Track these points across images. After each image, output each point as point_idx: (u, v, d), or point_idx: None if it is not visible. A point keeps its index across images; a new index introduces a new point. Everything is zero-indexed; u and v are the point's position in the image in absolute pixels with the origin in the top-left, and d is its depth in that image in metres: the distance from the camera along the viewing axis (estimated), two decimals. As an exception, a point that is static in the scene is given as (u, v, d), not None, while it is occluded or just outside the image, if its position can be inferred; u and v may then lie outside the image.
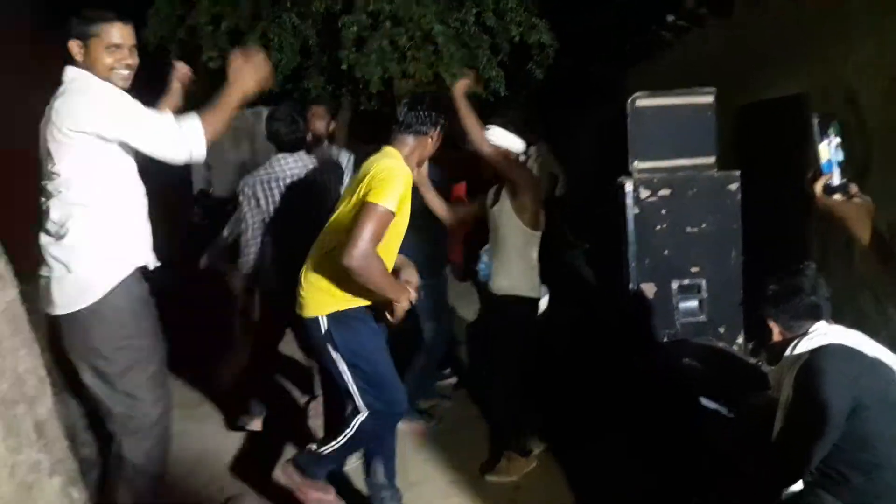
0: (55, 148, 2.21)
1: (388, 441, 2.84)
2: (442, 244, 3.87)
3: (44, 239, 2.29)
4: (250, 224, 3.25)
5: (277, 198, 3.20)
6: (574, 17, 6.98)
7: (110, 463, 2.43)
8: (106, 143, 2.24)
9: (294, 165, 3.23)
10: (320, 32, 6.65)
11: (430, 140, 2.64)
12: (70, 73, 2.31)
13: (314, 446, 2.70)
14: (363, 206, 2.38)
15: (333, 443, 2.63)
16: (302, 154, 3.29)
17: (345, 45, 6.22)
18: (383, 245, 2.46)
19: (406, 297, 2.51)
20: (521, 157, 3.24)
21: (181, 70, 2.75)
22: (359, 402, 2.58)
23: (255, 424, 3.68)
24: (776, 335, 2.25)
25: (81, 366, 2.29)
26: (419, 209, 3.39)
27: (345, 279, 2.45)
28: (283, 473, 2.68)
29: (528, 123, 3.22)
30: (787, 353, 2.21)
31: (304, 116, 3.36)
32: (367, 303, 2.57)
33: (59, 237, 2.25)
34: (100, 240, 2.27)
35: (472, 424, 3.73)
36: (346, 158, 3.95)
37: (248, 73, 2.39)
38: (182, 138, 2.27)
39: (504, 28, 6.55)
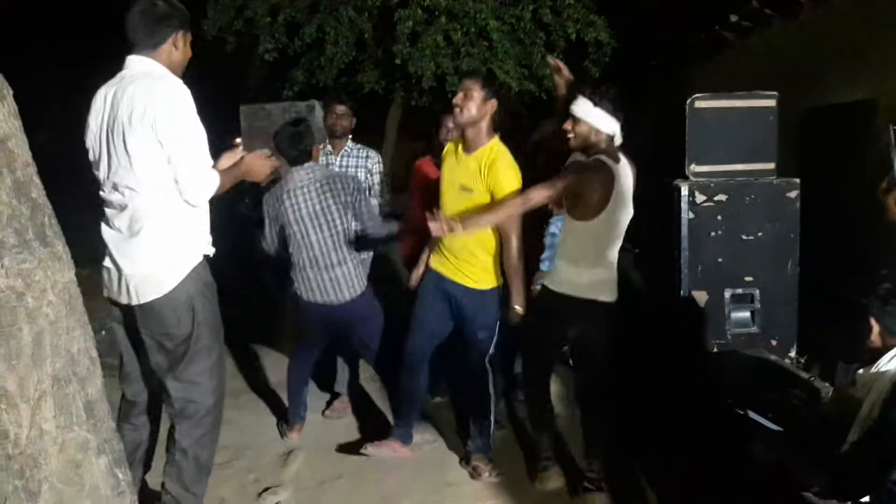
0: (125, 139, 2.21)
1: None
2: None
3: (110, 234, 2.33)
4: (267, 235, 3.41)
5: (288, 210, 3.28)
6: (634, 14, 6.85)
7: (168, 451, 2.48)
8: None
9: (303, 178, 3.28)
10: (376, 27, 6.69)
11: None
12: (147, 64, 2.29)
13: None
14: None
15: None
16: (311, 166, 3.31)
17: (399, 39, 6.25)
18: None
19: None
20: (618, 141, 2.79)
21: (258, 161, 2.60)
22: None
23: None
24: (874, 335, 2.16)
25: (154, 348, 2.37)
26: None
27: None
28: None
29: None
30: (885, 360, 2.11)
31: (307, 131, 3.33)
32: None
33: (131, 234, 2.28)
34: (172, 235, 2.30)
35: (512, 427, 3.69)
36: (356, 152, 3.94)
37: (260, 167, 2.55)
38: (208, 192, 2.34)
39: (561, 25, 6.49)
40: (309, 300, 3.33)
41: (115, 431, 1.91)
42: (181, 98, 2.26)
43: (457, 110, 2.97)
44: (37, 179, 1.78)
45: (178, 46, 2.34)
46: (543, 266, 3.60)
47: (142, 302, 2.31)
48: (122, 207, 2.28)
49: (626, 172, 2.79)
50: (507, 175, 2.91)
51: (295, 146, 3.26)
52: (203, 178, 2.31)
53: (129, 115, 2.19)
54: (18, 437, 1.63)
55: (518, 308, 2.99)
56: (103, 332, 4.20)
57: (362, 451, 3.26)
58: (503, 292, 3.08)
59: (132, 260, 2.29)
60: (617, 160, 2.76)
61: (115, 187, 2.28)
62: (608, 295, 2.85)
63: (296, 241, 3.30)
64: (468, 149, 3.00)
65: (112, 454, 1.86)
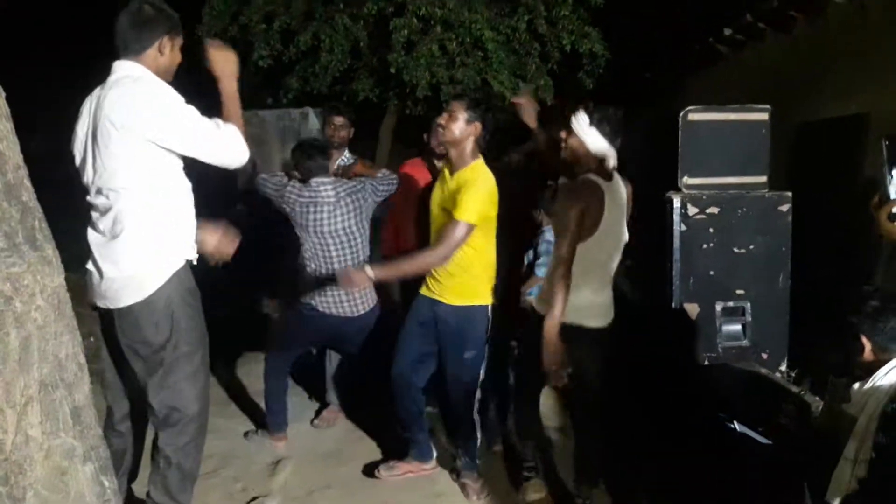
0: (107, 143, 2.19)
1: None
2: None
3: (94, 237, 2.31)
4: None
5: (310, 221, 3.33)
6: (629, 26, 6.89)
7: (152, 458, 2.45)
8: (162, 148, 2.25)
9: (329, 193, 3.33)
10: (371, 35, 6.69)
11: None
12: (128, 68, 2.27)
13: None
14: None
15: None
16: (333, 181, 3.39)
17: (394, 48, 6.25)
18: None
19: None
20: (611, 164, 2.77)
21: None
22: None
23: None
24: (867, 353, 2.15)
25: (131, 355, 2.33)
26: None
27: None
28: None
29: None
30: (881, 374, 2.10)
31: (325, 147, 3.47)
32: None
33: (112, 237, 2.26)
34: (154, 238, 2.27)
35: (502, 440, 3.67)
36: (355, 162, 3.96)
37: (230, 59, 2.45)
38: (235, 144, 2.30)
39: (555, 36, 6.50)
40: (324, 312, 3.36)
41: (101, 438, 1.89)
42: (162, 94, 2.24)
43: (440, 130, 2.98)
44: (28, 182, 1.77)
45: (163, 52, 2.31)
46: (539, 272, 3.61)
47: (121, 306, 2.27)
48: (106, 210, 2.26)
49: (618, 191, 2.76)
50: (472, 199, 2.82)
51: (314, 159, 3.33)
52: (218, 140, 2.28)
53: (111, 119, 2.17)
54: (3, 443, 1.61)
55: (369, 271, 2.85)
56: (91, 339, 4.18)
57: (376, 473, 3.23)
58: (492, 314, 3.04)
59: (113, 263, 2.26)
60: (608, 178, 2.73)
61: (99, 191, 2.26)
62: (599, 320, 2.80)
63: (313, 252, 3.36)
64: (452, 170, 2.99)
65: (98, 461, 1.84)
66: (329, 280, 3.30)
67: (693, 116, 3.69)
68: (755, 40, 5.73)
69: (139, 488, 2.66)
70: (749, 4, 5.47)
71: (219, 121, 2.32)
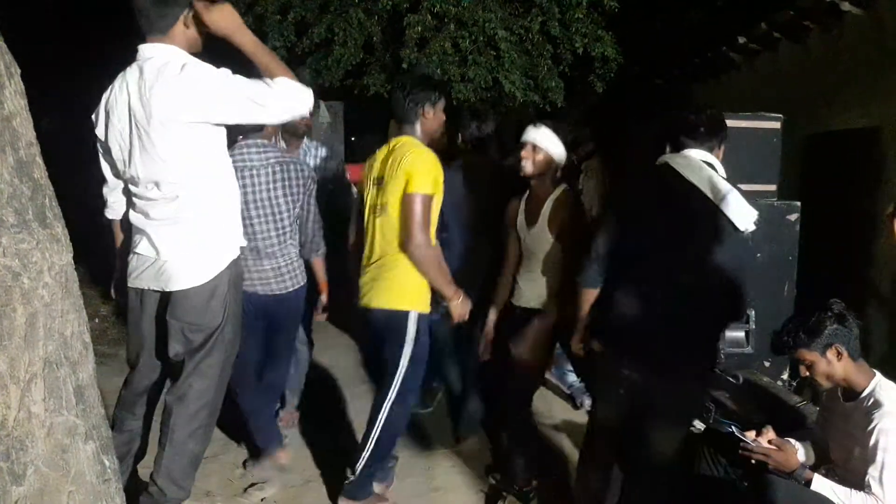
0: (166, 137, 2.17)
1: None
2: (471, 261, 3.37)
3: (148, 223, 2.30)
4: None
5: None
6: (643, 31, 6.87)
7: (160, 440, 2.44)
8: (209, 128, 2.23)
9: (254, 158, 2.93)
10: (385, 30, 6.70)
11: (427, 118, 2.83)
12: (163, 53, 2.20)
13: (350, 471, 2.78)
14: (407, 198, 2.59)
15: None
16: (264, 144, 2.96)
17: (407, 44, 6.26)
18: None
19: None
20: (559, 171, 2.96)
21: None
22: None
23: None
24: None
25: (175, 336, 2.33)
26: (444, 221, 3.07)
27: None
28: None
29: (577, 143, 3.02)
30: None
31: None
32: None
33: (175, 223, 2.26)
34: (215, 225, 2.32)
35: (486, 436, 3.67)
36: (314, 150, 3.86)
37: (226, 11, 2.26)
38: (300, 90, 2.25)
39: (568, 39, 6.51)
40: (247, 291, 2.84)
41: (104, 418, 1.90)
42: (211, 77, 2.19)
43: None
44: (40, 160, 1.78)
45: (189, 25, 2.24)
46: None
47: (178, 289, 2.28)
48: (165, 200, 2.25)
49: None
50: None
51: None
52: (276, 97, 2.21)
53: (169, 115, 2.15)
54: (6, 419, 1.62)
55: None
56: (96, 320, 4.20)
57: None
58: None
59: (176, 246, 2.27)
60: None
61: (155, 183, 2.24)
62: None
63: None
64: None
65: (100, 441, 1.84)
66: (252, 255, 2.92)
67: (705, 122, 3.68)
68: (769, 49, 5.72)
69: (142, 470, 2.67)
70: (764, 14, 5.45)
71: (266, 79, 2.24)
